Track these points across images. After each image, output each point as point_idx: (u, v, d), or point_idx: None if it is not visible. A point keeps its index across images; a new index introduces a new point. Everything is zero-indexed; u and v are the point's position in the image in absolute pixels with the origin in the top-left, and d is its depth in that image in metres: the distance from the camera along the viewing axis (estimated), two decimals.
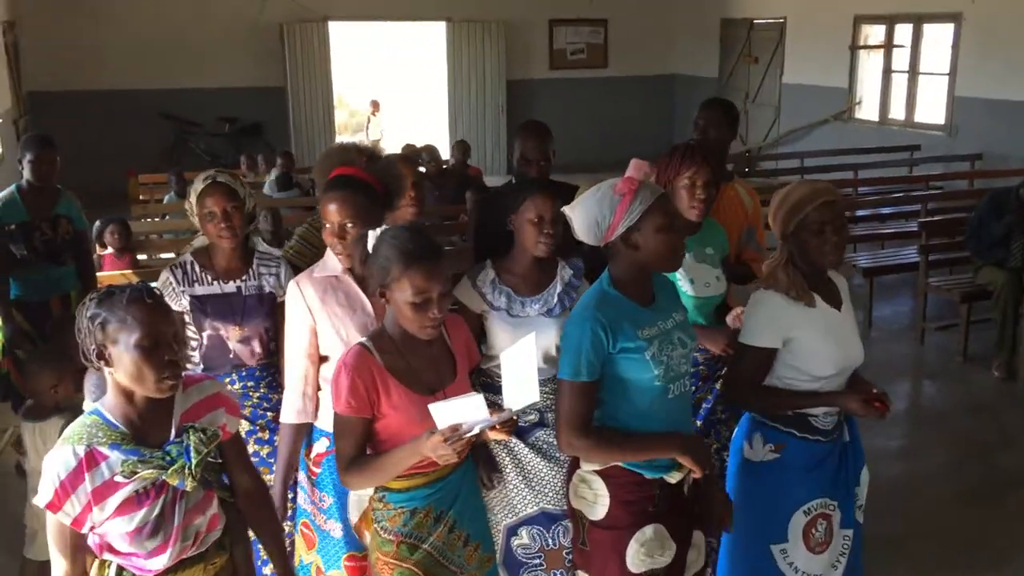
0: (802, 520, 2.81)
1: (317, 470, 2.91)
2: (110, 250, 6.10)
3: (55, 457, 2.03)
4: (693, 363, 3.14)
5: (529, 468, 2.92)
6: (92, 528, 2.07)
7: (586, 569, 2.57)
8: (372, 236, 2.43)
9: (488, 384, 2.93)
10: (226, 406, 2.29)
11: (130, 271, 5.81)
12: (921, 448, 5.26)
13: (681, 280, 3.16)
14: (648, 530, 2.47)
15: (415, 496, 2.43)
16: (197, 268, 3.15)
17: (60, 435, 2.10)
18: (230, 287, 3.15)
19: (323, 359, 2.87)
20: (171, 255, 7.22)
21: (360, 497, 2.78)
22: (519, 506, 2.94)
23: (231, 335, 3.13)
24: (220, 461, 2.28)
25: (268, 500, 2.48)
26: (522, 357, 2.27)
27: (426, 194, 3.25)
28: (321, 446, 2.89)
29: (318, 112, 14.06)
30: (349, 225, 2.78)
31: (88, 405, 2.49)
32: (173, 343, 2.08)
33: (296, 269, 3.13)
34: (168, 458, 2.08)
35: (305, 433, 2.92)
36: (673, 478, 2.48)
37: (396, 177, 3.09)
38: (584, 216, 2.44)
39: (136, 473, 2.04)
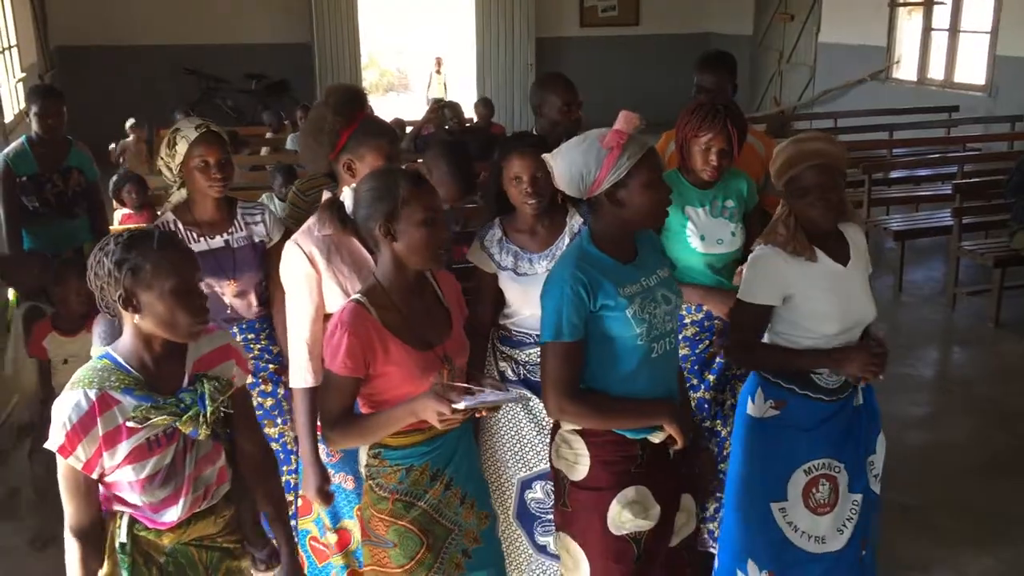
0: (802, 479, 2.76)
1: None
2: (128, 210, 6.04)
3: (65, 401, 2.00)
4: (708, 317, 3.10)
5: (544, 424, 2.90)
6: (102, 476, 2.05)
7: (567, 530, 2.48)
8: (347, 195, 2.39)
9: (506, 338, 3.00)
10: (236, 358, 2.26)
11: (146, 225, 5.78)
12: (947, 416, 5.13)
13: (691, 237, 3.09)
14: (630, 491, 2.38)
15: (412, 453, 2.37)
16: (181, 227, 3.07)
17: None
18: (217, 242, 3.09)
19: (327, 317, 2.79)
20: None
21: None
22: (533, 461, 2.96)
23: (226, 290, 3.07)
24: (230, 413, 2.22)
25: (271, 464, 2.41)
26: None
27: None
28: None
29: (345, 70, 13.91)
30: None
31: (96, 350, 2.44)
32: (200, 288, 2.10)
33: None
34: (182, 405, 2.06)
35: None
36: (656, 438, 2.40)
37: None
38: (567, 167, 2.31)
39: (149, 419, 2.02)
